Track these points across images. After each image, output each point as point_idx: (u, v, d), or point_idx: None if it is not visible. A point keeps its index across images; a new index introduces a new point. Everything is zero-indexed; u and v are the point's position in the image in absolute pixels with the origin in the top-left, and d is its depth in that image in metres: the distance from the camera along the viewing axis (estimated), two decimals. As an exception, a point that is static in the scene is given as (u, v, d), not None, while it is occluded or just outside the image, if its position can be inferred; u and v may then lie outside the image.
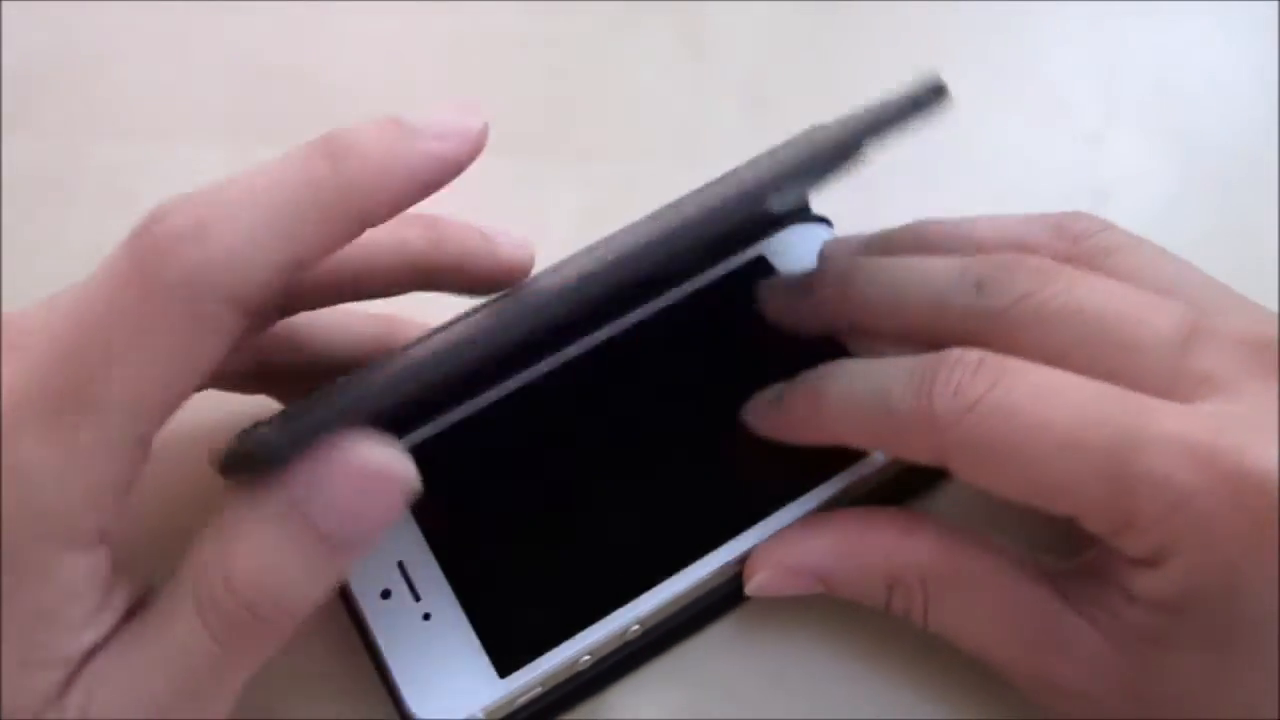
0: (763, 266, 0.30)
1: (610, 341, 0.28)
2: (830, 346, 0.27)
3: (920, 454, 0.23)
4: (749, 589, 0.25)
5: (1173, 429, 0.21)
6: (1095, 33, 0.38)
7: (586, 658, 0.25)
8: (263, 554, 0.19)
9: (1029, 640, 0.23)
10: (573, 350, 0.28)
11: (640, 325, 0.29)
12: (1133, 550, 0.21)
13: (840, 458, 0.26)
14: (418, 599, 0.25)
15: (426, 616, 0.25)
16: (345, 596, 0.26)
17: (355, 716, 0.27)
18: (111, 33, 0.39)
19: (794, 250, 0.30)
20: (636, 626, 0.25)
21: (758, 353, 0.28)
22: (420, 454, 0.20)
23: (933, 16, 0.39)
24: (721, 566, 0.25)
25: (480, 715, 0.24)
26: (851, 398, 0.24)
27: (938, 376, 0.23)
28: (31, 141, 0.36)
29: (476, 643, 0.25)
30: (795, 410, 0.25)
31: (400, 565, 0.25)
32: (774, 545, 0.25)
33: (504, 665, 0.24)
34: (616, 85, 0.35)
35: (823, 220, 0.31)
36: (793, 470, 0.26)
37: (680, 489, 0.26)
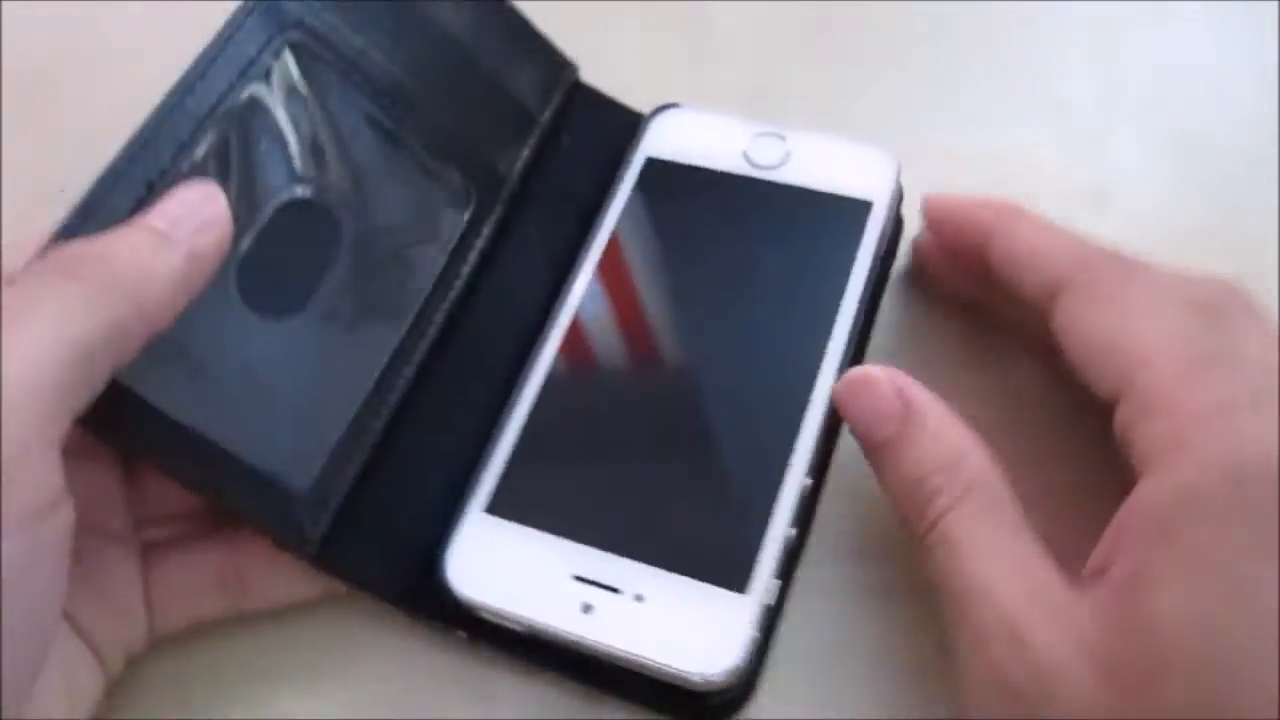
0: (660, 165, 0.32)
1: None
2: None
3: None
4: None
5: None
6: (1095, 33, 0.38)
7: (808, 481, 0.26)
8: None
9: (1032, 590, 0.23)
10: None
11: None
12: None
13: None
14: (618, 592, 0.26)
15: (639, 598, 0.26)
16: (531, 642, 0.26)
17: (354, 716, 0.27)
18: (111, 33, 0.39)
19: (672, 142, 0.33)
20: (808, 480, 0.27)
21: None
22: (528, 457, 0.28)
23: (933, 17, 0.39)
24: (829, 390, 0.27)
25: (755, 634, 0.25)
26: None
27: None
28: (31, 141, 0.36)
29: (703, 585, 0.25)
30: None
31: (578, 578, 0.26)
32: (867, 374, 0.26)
33: (738, 583, 0.25)
34: (616, 85, 0.35)
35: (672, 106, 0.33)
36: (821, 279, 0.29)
37: (758, 350, 0.29)
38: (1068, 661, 0.22)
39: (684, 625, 0.25)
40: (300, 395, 0.27)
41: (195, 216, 0.24)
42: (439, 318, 0.29)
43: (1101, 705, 0.21)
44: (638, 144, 0.33)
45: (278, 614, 0.28)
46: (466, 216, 0.30)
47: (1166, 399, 0.23)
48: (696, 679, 0.24)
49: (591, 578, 0.26)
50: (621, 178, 0.32)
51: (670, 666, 0.24)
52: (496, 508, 0.27)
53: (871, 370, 0.26)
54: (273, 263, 0.27)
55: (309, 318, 0.27)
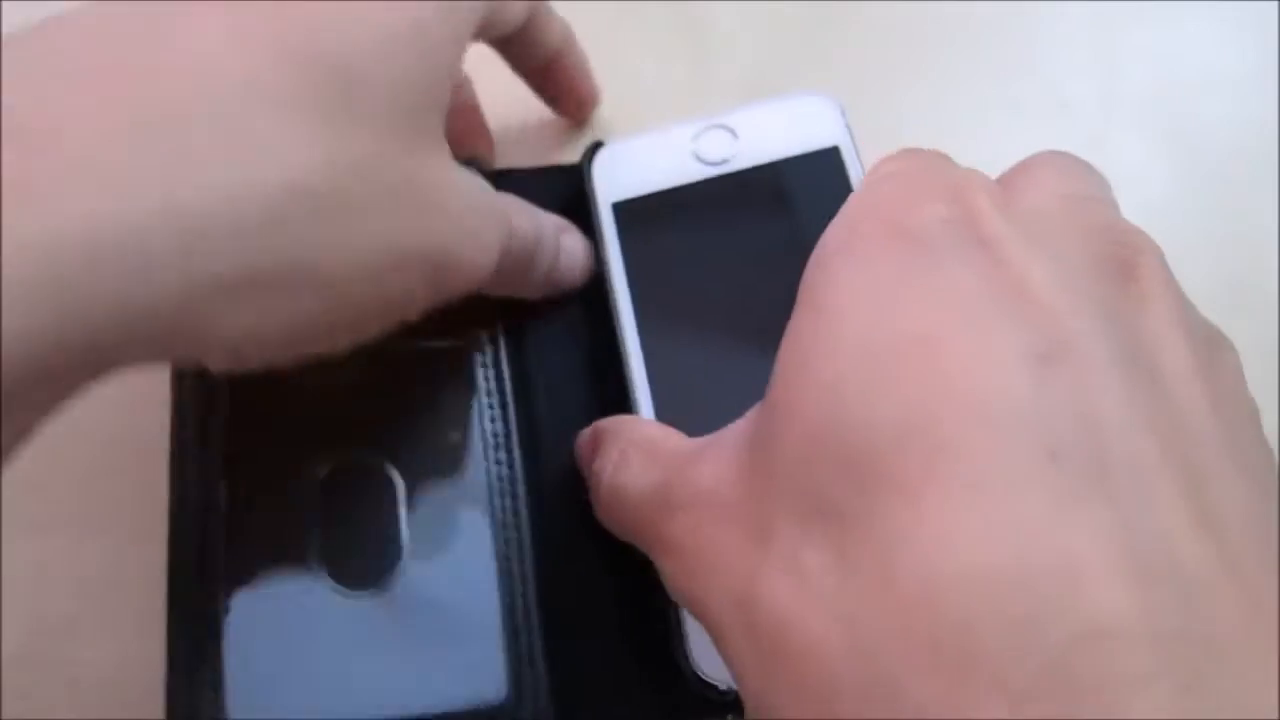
0: (627, 207, 0.31)
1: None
2: None
3: None
4: None
5: None
6: (1095, 33, 0.38)
7: None
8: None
9: (661, 473, 0.23)
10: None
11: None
12: None
13: None
14: None
15: None
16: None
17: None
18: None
19: (623, 178, 0.32)
20: None
21: None
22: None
23: (933, 16, 0.39)
24: None
25: None
26: None
27: None
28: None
29: None
30: None
31: None
32: None
33: None
34: (616, 84, 0.35)
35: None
36: None
37: None
38: (720, 463, 0.21)
39: None
40: (442, 628, 0.27)
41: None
42: (504, 472, 0.29)
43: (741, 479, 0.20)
44: (593, 196, 0.32)
45: None
46: (483, 382, 0.30)
47: None
48: None
49: None
50: (602, 239, 0.31)
51: None
52: None
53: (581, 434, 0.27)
54: (349, 535, 0.28)
55: (407, 563, 0.27)
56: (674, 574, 0.21)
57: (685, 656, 0.27)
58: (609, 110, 0.36)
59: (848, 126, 0.31)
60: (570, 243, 0.30)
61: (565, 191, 0.32)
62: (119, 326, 0.18)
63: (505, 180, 0.29)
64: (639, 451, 0.24)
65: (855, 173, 0.30)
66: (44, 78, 0.19)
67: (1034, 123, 0.36)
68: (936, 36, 0.38)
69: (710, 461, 0.22)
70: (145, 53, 0.19)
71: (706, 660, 0.26)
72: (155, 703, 0.29)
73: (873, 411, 0.18)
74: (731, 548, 0.20)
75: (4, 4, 0.39)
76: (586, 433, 0.27)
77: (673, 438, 0.24)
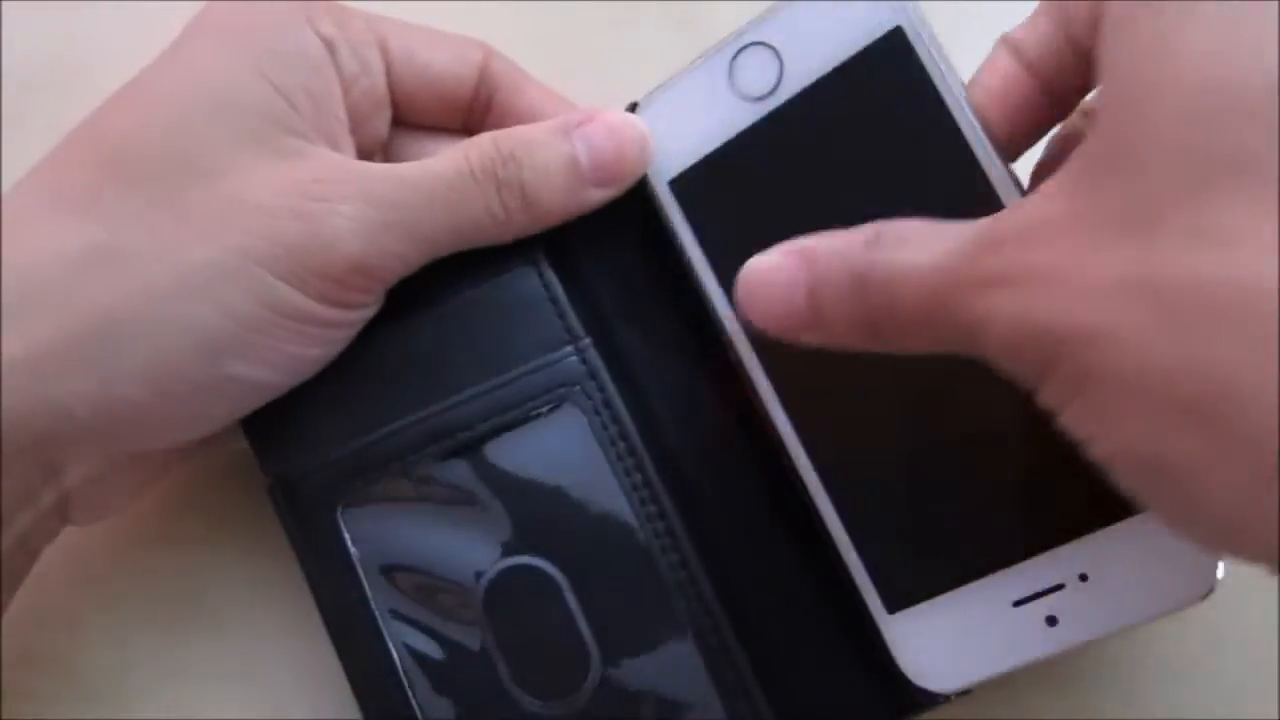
0: (684, 181, 0.27)
1: None
2: None
3: None
4: None
5: None
6: (1095, 32, 0.38)
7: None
8: (538, 148, 0.26)
9: (965, 239, 0.20)
10: None
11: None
12: None
13: None
14: (1063, 588, 0.24)
15: (1084, 577, 0.24)
16: None
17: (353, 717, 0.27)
18: (111, 33, 0.39)
19: (669, 148, 0.27)
20: None
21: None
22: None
23: (933, 16, 0.39)
24: None
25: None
26: None
27: None
28: (31, 141, 0.36)
29: (1129, 524, 0.23)
30: None
31: (1018, 603, 0.24)
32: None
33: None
34: (616, 84, 0.35)
35: None
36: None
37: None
38: (1038, 200, 0.19)
39: (1144, 566, 0.23)
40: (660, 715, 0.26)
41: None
42: (660, 527, 0.26)
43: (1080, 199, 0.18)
44: (647, 182, 0.28)
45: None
46: (603, 430, 0.27)
47: None
48: (1199, 599, 0.22)
49: (1029, 593, 0.24)
50: (672, 224, 0.27)
51: (1168, 608, 0.23)
52: (896, 602, 0.25)
53: (759, 267, 0.23)
54: (531, 645, 0.26)
55: (596, 659, 0.26)
56: (1012, 321, 0.19)
57: (896, 662, 0.25)
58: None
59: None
60: (594, 131, 0.27)
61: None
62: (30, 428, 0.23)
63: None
64: (904, 229, 0.21)
65: (928, 55, 0.25)
66: None
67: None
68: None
69: (1024, 205, 0.19)
70: None
71: (917, 664, 0.25)
72: (155, 703, 0.29)
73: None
74: (1097, 252, 0.18)
75: (4, 4, 0.39)
76: (773, 260, 0.22)
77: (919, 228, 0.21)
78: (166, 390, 0.24)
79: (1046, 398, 0.19)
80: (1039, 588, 0.24)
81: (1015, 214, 0.20)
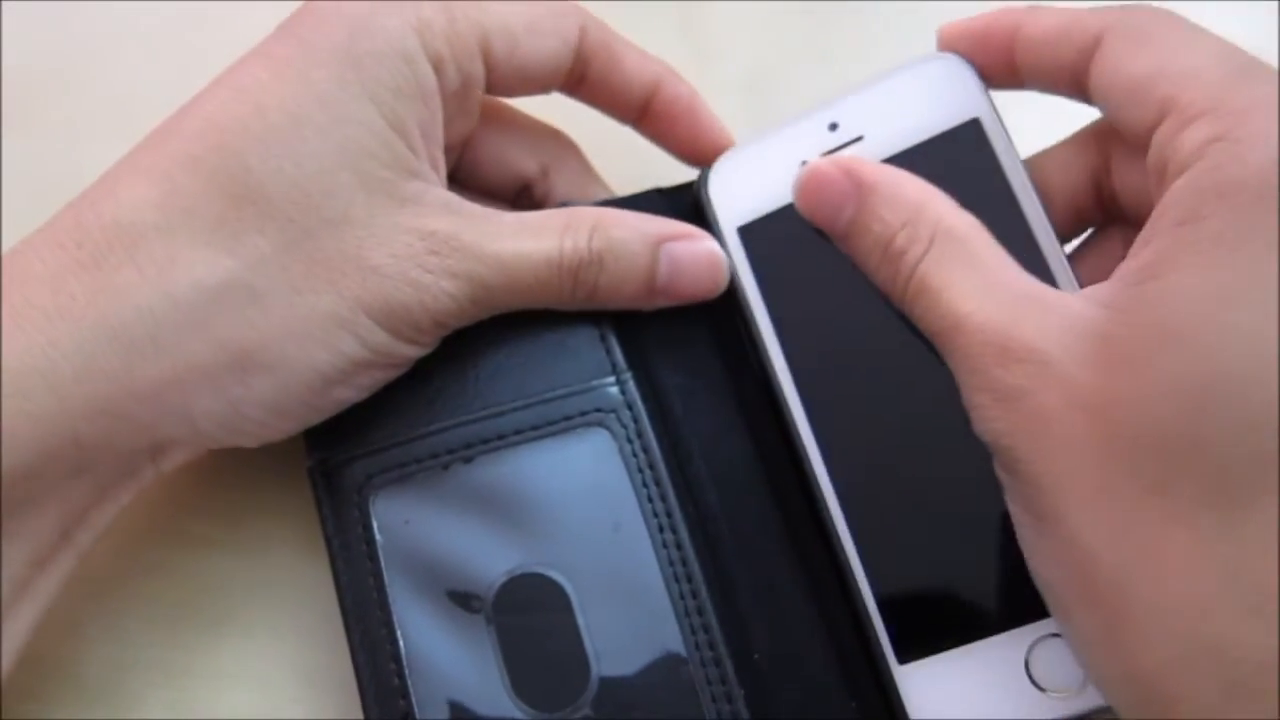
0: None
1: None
2: None
3: None
4: None
5: None
6: (1095, 32, 0.38)
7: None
8: (625, 256, 0.28)
9: (1003, 304, 0.23)
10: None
11: None
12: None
13: None
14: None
15: None
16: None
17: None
18: (111, 33, 0.39)
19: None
20: None
21: None
22: None
23: (933, 16, 0.39)
24: None
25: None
26: None
27: None
28: (31, 141, 0.36)
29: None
30: None
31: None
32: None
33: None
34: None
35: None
36: None
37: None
38: (1053, 342, 0.22)
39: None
40: None
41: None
42: (674, 555, 0.27)
43: (1089, 384, 0.21)
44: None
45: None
46: (631, 456, 0.28)
47: (1211, 102, 0.22)
48: None
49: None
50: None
51: None
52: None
53: (817, 163, 0.27)
54: (532, 656, 0.26)
55: (596, 677, 0.26)
56: (989, 413, 0.22)
57: (906, 714, 0.25)
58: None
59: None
60: (681, 251, 0.28)
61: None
62: (71, 429, 0.24)
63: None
64: (961, 253, 0.24)
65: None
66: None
67: (1034, 123, 0.36)
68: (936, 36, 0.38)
69: (1039, 323, 0.22)
70: (86, 207, 0.26)
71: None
72: (156, 702, 0.29)
73: None
74: (1082, 448, 0.21)
75: (3, 4, 0.39)
76: (828, 169, 0.26)
77: (991, 247, 0.24)
78: (282, 413, 0.26)
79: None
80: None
81: (1046, 327, 0.22)
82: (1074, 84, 0.26)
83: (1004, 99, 0.28)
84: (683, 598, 0.26)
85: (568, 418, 0.28)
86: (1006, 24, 0.27)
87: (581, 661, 0.26)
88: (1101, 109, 0.26)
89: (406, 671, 0.26)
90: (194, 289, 0.25)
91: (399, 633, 0.26)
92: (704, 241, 0.29)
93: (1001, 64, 0.27)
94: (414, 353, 0.28)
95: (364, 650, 0.26)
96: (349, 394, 0.27)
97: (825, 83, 0.37)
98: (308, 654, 0.29)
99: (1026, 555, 0.23)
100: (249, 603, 0.30)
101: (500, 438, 0.28)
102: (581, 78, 0.30)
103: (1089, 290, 0.23)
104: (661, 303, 0.29)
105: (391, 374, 0.28)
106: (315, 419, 0.28)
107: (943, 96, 0.27)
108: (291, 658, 0.29)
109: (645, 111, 0.31)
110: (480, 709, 0.26)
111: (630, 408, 0.28)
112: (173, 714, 0.28)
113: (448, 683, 0.26)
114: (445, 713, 0.26)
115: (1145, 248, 0.22)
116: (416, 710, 0.26)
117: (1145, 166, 0.24)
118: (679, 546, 0.27)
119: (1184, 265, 0.21)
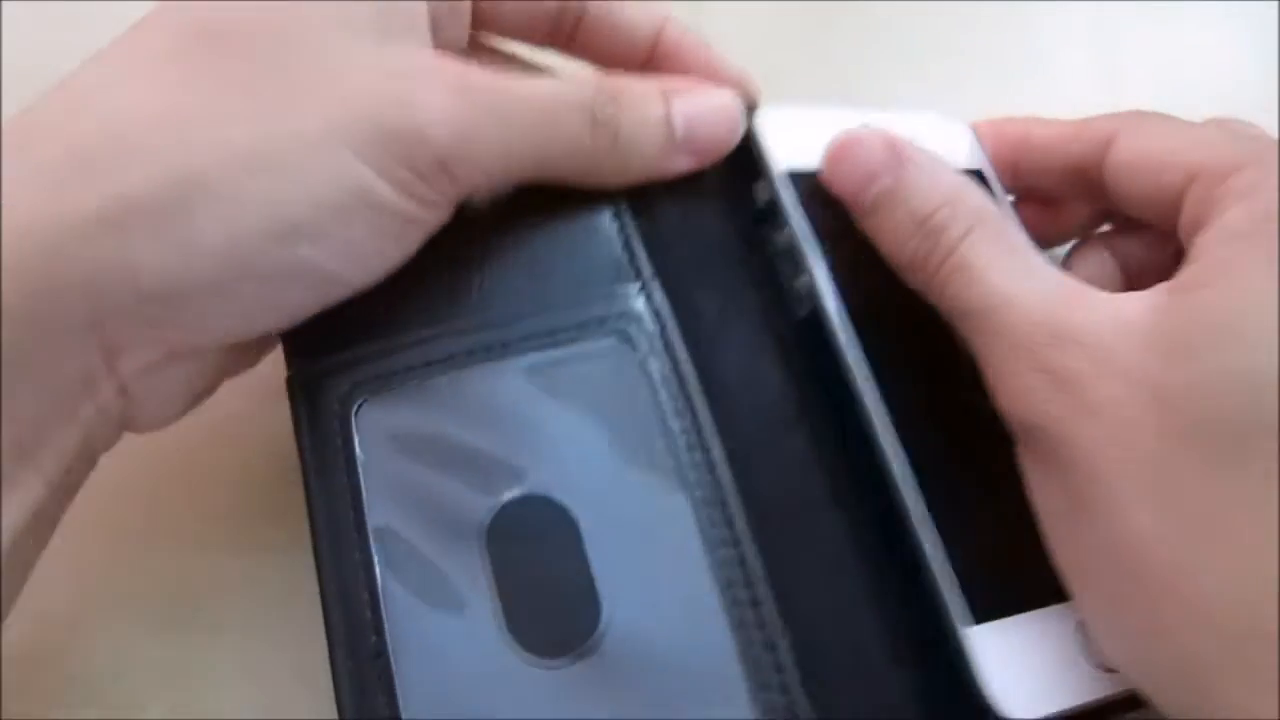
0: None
1: None
2: None
3: None
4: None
5: None
6: (1095, 33, 0.38)
7: None
8: (638, 100, 0.26)
9: (1051, 289, 0.23)
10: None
11: None
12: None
13: None
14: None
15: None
16: None
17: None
18: (111, 33, 0.39)
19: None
20: None
21: None
22: None
23: (933, 17, 0.39)
24: None
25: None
26: None
27: None
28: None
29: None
30: None
31: None
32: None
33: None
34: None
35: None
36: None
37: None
38: (1108, 330, 0.22)
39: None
40: (670, 691, 0.22)
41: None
42: (704, 477, 0.24)
43: (1150, 371, 0.21)
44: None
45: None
46: (655, 372, 0.25)
47: (1238, 160, 0.23)
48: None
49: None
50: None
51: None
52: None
53: (857, 130, 0.27)
54: (529, 592, 0.23)
55: (608, 617, 0.23)
56: (1039, 395, 0.22)
57: (981, 690, 0.23)
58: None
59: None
60: (691, 104, 0.27)
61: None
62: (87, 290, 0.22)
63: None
64: (1002, 239, 0.24)
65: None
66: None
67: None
68: (937, 37, 0.38)
69: (1093, 316, 0.23)
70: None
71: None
72: (155, 703, 0.29)
73: None
74: (1141, 434, 0.21)
75: (3, 4, 0.39)
76: (870, 136, 0.26)
77: (1029, 242, 0.25)
78: (238, 268, 0.22)
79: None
80: None
81: (1098, 314, 0.23)
82: (1076, 177, 0.28)
83: (1005, 105, 0.28)
84: (714, 525, 0.23)
85: (583, 325, 0.25)
86: (1013, 131, 0.29)
87: (590, 602, 0.22)
88: (1115, 188, 0.27)
89: (382, 605, 0.22)
90: (135, 114, 0.22)
91: (376, 559, 0.23)
92: (709, 90, 0.28)
93: (1005, 166, 0.29)
94: (412, 210, 0.24)
95: (334, 580, 0.23)
96: (325, 259, 0.23)
97: (825, 83, 0.37)
98: (308, 654, 0.28)
99: (1054, 544, 0.23)
100: (248, 603, 0.30)
101: (504, 345, 0.24)
102: (577, 22, 0.28)
103: (1130, 294, 0.23)
104: (686, 163, 0.27)
105: (387, 245, 0.24)
106: (286, 295, 0.24)
107: (952, 144, 0.29)
108: (291, 658, 0.29)
109: (650, 57, 0.29)
110: (465, 652, 0.22)
111: (658, 316, 0.25)
112: (173, 714, 0.28)
113: (429, 622, 0.22)
114: (423, 657, 0.22)
115: (1190, 266, 0.22)
116: (390, 647, 0.22)
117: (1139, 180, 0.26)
118: (711, 468, 0.23)
119: (1239, 274, 0.21)
